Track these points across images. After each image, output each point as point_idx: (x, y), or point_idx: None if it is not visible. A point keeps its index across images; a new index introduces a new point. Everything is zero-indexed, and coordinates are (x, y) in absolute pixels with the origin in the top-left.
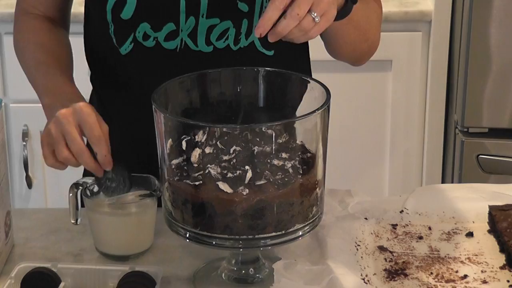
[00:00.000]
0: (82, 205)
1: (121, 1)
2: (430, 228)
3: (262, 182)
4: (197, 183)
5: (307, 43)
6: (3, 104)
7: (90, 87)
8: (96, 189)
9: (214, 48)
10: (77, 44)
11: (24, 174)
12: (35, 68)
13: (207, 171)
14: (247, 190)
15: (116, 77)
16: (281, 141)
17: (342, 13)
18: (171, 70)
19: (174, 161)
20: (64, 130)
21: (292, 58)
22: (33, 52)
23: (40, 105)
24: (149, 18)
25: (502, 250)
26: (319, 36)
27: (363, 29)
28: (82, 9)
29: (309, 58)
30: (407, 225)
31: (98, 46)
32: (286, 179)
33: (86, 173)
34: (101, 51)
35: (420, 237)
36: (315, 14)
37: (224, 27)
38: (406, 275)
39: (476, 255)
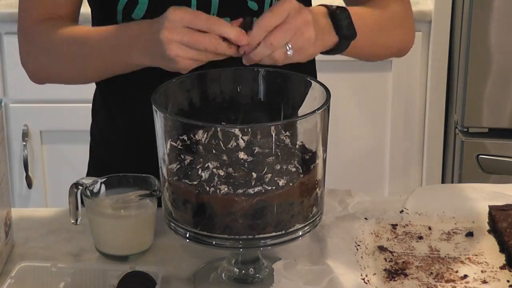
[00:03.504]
0: (82, 205)
1: (133, 2)
2: (430, 228)
3: (262, 182)
4: (197, 183)
5: None
6: (3, 104)
7: (93, 86)
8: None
9: None
10: None
11: (24, 174)
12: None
13: (207, 171)
14: (247, 190)
15: (123, 76)
16: (281, 141)
17: (337, 49)
18: None
19: (174, 161)
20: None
21: None
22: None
23: (40, 105)
24: None
25: (502, 250)
26: None
27: (379, 43)
28: (85, 8)
29: (314, 59)
30: (407, 225)
31: None
32: (286, 179)
33: (90, 173)
34: None
35: (420, 237)
36: (290, 47)
37: None
38: (406, 275)
39: (476, 255)
